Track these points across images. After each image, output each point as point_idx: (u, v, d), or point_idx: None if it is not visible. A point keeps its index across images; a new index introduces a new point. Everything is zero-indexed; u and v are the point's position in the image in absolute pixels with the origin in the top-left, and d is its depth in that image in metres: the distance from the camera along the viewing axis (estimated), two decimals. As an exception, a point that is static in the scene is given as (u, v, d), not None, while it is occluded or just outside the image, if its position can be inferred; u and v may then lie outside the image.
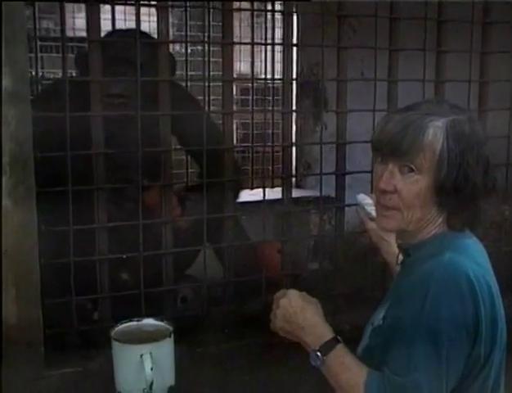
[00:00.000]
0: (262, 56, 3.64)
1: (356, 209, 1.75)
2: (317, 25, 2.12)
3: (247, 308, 2.17)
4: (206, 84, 2.38)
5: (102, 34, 1.98)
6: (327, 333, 1.41)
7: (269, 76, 3.63)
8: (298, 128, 3.71)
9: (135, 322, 1.69)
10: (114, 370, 1.61)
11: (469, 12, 2.25)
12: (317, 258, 3.01)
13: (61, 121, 1.81)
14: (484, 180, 1.35)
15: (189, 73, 2.51)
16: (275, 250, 2.36)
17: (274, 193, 2.52)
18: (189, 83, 2.57)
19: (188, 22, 2.34)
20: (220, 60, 2.12)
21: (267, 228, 2.15)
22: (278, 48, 3.27)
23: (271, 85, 3.66)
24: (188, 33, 2.36)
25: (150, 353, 1.55)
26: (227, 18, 2.03)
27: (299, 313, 1.44)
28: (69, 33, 3.35)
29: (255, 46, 2.21)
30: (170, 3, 2.04)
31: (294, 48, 2.20)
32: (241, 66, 3.98)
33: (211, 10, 2.20)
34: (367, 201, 1.67)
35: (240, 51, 3.78)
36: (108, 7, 2.60)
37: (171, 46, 2.33)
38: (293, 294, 1.48)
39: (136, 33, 1.91)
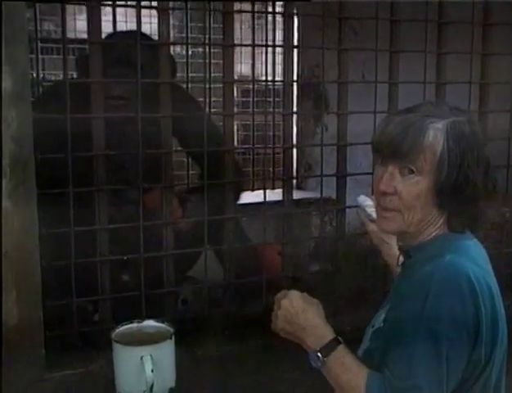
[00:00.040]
0: (262, 58, 3.62)
1: (356, 210, 1.74)
2: (318, 27, 2.12)
3: (247, 310, 2.17)
4: (207, 86, 2.38)
5: (103, 36, 1.99)
6: (328, 334, 1.41)
7: (270, 78, 3.61)
8: (298, 130, 3.71)
9: (136, 324, 1.69)
10: (114, 372, 1.61)
11: (469, 13, 2.25)
12: (318, 259, 3.01)
13: (62, 123, 1.81)
14: (485, 181, 1.35)
15: (190, 74, 2.51)
16: (275, 251, 2.36)
17: (275, 195, 2.52)
18: (190, 85, 2.57)
19: (189, 24, 2.34)
20: (221, 61, 2.11)
21: (267, 229, 2.15)
22: (279, 50, 3.25)
23: (271, 87, 3.66)
24: (189, 34, 2.36)
25: (151, 355, 1.55)
26: (228, 20, 2.03)
27: (301, 314, 1.44)
28: (70, 35, 3.34)
29: (256, 47, 2.21)
30: (171, 5, 2.05)
31: (295, 50, 2.20)
32: (242, 68, 3.98)
33: (212, 12, 2.20)
34: (368, 202, 1.67)
35: (241, 52, 3.78)
36: (109, 9, 2.60)
37: (172, 47, 2.34)
38: (294, 295, 1.47)
39: (137, 34, 1.91)
